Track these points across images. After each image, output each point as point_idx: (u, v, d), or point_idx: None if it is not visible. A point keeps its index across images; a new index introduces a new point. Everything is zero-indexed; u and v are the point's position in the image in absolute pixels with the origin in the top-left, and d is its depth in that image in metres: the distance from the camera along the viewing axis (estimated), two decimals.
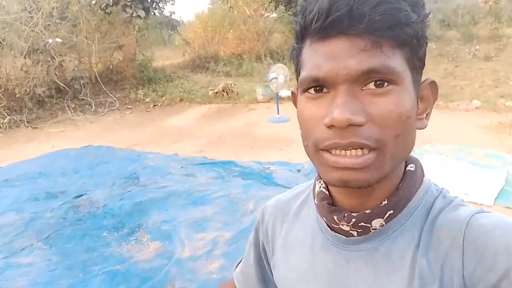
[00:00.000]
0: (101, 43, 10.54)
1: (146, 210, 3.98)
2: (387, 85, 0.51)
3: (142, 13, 10.28)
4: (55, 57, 9.61)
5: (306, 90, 0.56)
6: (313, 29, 0.53)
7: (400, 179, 0.59)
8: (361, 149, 0.52)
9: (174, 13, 23.68)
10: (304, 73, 0.55)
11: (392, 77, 0.51)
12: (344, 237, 0.62)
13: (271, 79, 7.56)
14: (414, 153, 0.72)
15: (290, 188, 3.36)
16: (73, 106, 9.98)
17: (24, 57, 9.47)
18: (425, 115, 0.58)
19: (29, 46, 9.20)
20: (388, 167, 0.54)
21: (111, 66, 12.05)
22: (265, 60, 14.26)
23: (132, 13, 10.14)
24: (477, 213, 0.55)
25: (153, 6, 11.08)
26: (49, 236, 3.54)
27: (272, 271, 0.77)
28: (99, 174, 5.13)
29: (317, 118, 0.54)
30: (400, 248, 0.57)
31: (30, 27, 9.22)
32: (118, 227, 3.66)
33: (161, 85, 11.21)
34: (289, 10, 16.28)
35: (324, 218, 0.63)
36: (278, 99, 7.86)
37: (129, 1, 10.05)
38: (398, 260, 0.57)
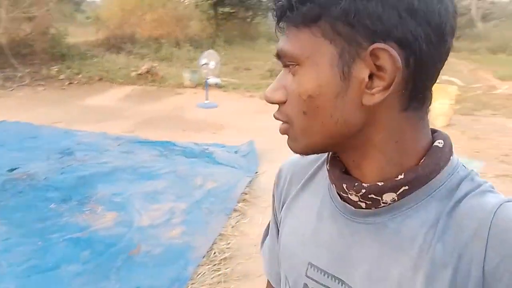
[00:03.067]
0: (10, 12, 9.62)
1: (91, 183, 3.97)
2: (293, 66, 0.54)
3: None
4: None
5: None
6: None
7: (423, 153, 0.55)
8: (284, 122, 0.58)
9: None
10: None
11: (290, 60, 0.53)
12: (353, 208, 0.59)
13: (202, 65, 7.72)
14: None
15: (233, 167, 3.82)
16: None
17: None
18: (379, 89, 0.50)
19: None
20: (303, 141, 0.57)
21: (17, 38, 11.03)
22: (185, 46, 14.22)
23: None
24: (508, 201, 0.51)
25: None
26: None
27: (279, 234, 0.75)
28: (29, 148, 4.88)
29: None
30: (411, 227, 0.54)
31: None
32: (66, 199, 3.62)
33: (76, 62, 10.61)
34: None
35: (334, 185, 0.61)
36: (207, 85, 8.05)
37: None
38: (407, 240, 0.54)
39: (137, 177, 4.15)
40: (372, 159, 0.56)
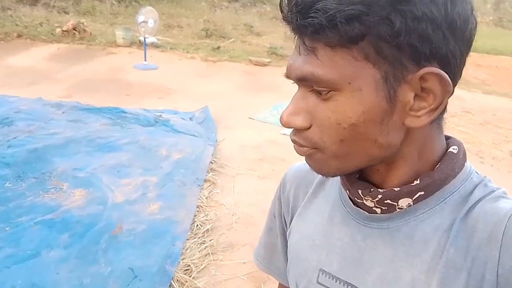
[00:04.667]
0: None
1: (45, 157, 3.64)
2: (326, 93, 0.49)
3: None
4: None
5: None
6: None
7: (438, 159, 0.56)
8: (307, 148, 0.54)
9: None
10: None
11: (325, 85, 0.49)
12: (367, 213, 0.59)
13: (140, 23, 7.23)
14: None
15: (193, 135, 3.82)
16: None
17: None
18: (425, 111, 0.49)
19: None
20: (336, 165, 0.54)
21: None
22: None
23: None
24: None
25: None
26: None
27: (287, 239, 0.75)
28: None
29: None
30: (425, 231, 0.54)
31: None
32: (22, 177, 3.30)
33: None
34: None
35: (348, 191, 0.60)
36: (145, 44, 7.59)
37: None
38: (421, 244, 0.54)
39: (95, 149, 3.89)
40: (397, 168, 0.56)
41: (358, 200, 0.59)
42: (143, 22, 7.27)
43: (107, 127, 4.43)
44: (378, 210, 0.57)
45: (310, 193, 0.71)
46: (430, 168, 0.55)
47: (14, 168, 3.41)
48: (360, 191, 0.57)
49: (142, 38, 7.72)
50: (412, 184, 0.54)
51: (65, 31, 8.61)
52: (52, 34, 8.72)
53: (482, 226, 0.51)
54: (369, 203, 0.57)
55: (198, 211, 3.29)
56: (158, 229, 2.86)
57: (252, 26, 12.09)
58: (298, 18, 0.47)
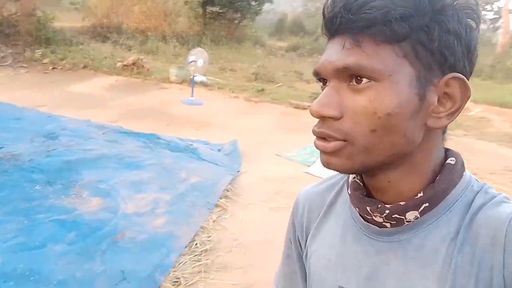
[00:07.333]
0: None
1: (76, 169, 4.01)
2: (366, 82, 0.52)
3: None
4: None
5: (318, 81, 0.60)
6: (323, 27, 0.58)
7: (437, 171, 0.59)
8: (329, 139, 0.55)
9: None
10: None
11: (369, 74, 0.52)
12: (377, 227, 0.61)
13: (190, 62, 7.80)
14: None
15: (216, 164, 3.95)
16: None
17: None
18: (445, 114, 0.55)
19: None
20: (362, 159, 0.55)
21: (0, 17, 10.82)
22: (171, 41, 14.23)
23: None
24: None
25: None
26: None
27: (304, 262, 0.77)
28: (13, 129, 4.87)
29: None
30: (434, 241, 0.57)
31: None
32: (51, 182, 3.66)
33: (61, 47, 10.50)
34: None
35: (357, 209, 0.63)
36: (194, 82, 8.13)
37: None
38: (431, 254, 0.57)
39: (122, 166, 4.22)
40: (408, 178, 0.58)
41: (368, 217, 0.61)
42: (193, 61, 7.85)
43: (138, 149, 4.79)
44: (388, 225, 0.60)
45: (322, 214, 0.73)
46: (430, 178, 0.58)
47: (46, 174, 3.79)
48: (368, 208, 0.60)
49: (194, 77, 8.31)
50: (416, 197, 0.57)
51: (125, 65, 9.46)
52: (114, 67, 9.61)
53: (485, 231, 0.53)
54: (378, 219, 0.59)
55: (201, 232, 3.43)
56: (157, 241, 3.03)
57: (302, 74, 12.47)
58: (350, 14, 0.52)
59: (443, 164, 0.60)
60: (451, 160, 0.59)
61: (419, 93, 0.53)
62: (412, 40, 0.51)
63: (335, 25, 0.54)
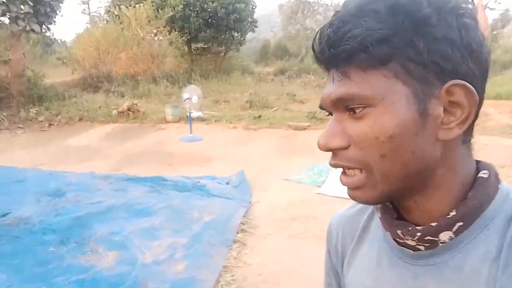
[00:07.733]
0: None
1: (87, 224, 3.93)
2: (361, 110, 0.52)
3: (37, 28, 9.62)
4: None
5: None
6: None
7: (469, 187, 0.56)
8: (353, 169, 0.55)
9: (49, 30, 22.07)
10: None
11: (362, 101, 0.52)
12: (412, 251, 0.59)
13: (185, 99, 7.83)
14: None
15: (227, 198, 3.91)
16: None
17: None
18: (456, 123, 0.52)
19: None
20: (383, 186, 0.54)
21: None
22: (162, 82, 14.36)
23: (26, 27, 9.43)
24: None
25: (48, 20, 10.42)
26: None
27: None
28: (17, 192, 4.80)
29: None
30: (473, 262, 0.53)
31: None
32: (64, 242, 3.58)
33: (54, 103, 10.55)
34: (182, 36, 16.69)
35: (389, 232, 0.61)
36: (190, 118, 8.14)
37: (22, 14, 9.34)
38: (471, 276, 0.53)
39: (132, 215, 4.14)
40: (434, 196, 0.56)
41: (401, 240, 0.59)
42: (187, 99, 7.88)
43: (146, 194, 4.72)
44: (422, 247, 0.57)
45: (356, 239, 0.71)
46: (462, 195, 0.55)
47: (58, 233, 3.71)
48: (399, 232, 0.57)
49: (191, 113, 8.32)
50: (448, 216, 0.54)
51: (120, 112, 9.48)
52: (109, 115, 9.63)
53: None
54: (410, 242, 0.57)
55: (225, 272, 3.33)
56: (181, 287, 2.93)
57: (295, 95, 12.57)
58: (332, 49, 0.52)
59: (475, 178, 0.56)
60: (483, 174, 0.56)
61: (419, 109, 0.51)
62: (399, 58, 0.50)
63: (323, 61, 0.55)
